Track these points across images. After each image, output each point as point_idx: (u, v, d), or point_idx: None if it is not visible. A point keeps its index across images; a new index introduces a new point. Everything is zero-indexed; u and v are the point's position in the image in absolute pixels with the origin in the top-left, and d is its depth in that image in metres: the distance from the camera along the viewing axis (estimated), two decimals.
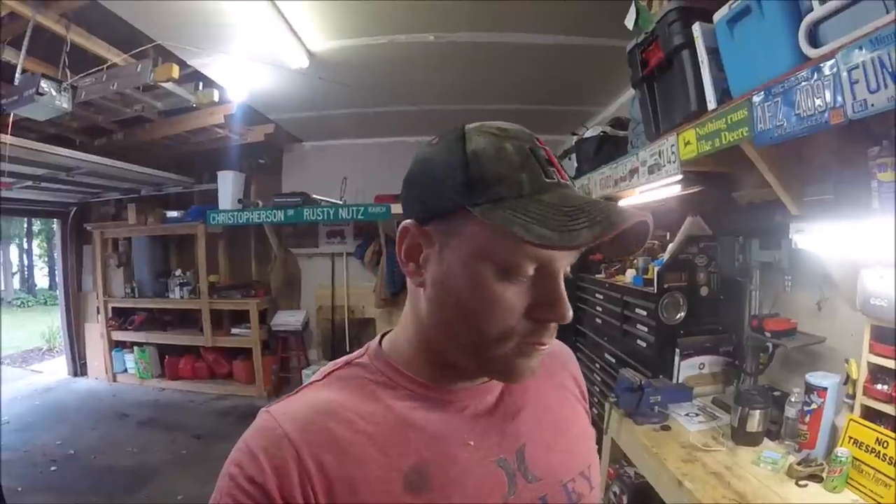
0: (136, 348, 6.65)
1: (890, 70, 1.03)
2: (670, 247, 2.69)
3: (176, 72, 3.33)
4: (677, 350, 2.50)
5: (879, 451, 1.55)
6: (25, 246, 20.77)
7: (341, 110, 5.01)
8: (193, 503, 3.65)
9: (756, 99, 1.46)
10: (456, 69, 3.92)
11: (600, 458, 2.55)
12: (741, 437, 1.93)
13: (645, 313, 2.69)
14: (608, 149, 3.19)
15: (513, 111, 4.82)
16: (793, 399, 1.90)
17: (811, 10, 1.31)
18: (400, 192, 0.70)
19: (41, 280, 20.75)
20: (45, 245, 20.22)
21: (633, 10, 2.31)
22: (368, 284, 6.20)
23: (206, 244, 6.29)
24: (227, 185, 6.10)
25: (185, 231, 6.42)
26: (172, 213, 6.48)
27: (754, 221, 2.30)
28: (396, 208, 5.12)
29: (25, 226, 19.96)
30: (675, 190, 2.56)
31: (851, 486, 1.60)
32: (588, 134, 3.48)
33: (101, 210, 7.20)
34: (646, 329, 2.69)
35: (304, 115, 5.16)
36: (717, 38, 1.74)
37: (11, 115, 3.35)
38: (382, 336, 0.76)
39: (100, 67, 3.35)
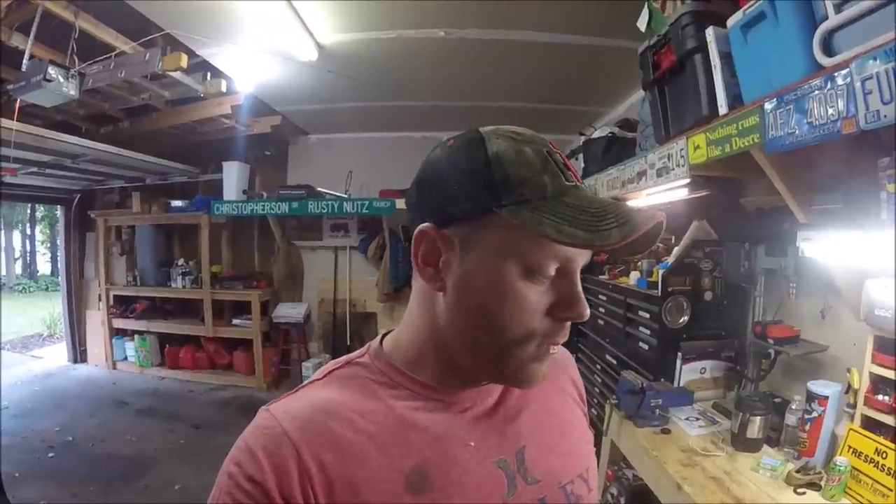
0: (136, 336, 6.66)
1: None
2: (675, 250, 2.69)
3: (184, 61, 3.32)
4: (679, 354, 2.50)
5: (878, 462, 1.55)
6: (28, 232, 20.80)
7: (348, 104, 5.01)
8: (191, 493, 3.66)
9: (768, 106, 1.46)
10: (464, 66, 3.91)
11: (599, 459, 2.56)
12: (741, 442, 1.93)
13: (648, 316, 2.69)
14: (616, 150, 3.18)
15: (521, 109, 4.83)
16: (794, 406, 1.90)
17: (826, 18, 1.30)
18: (408, 196, 0.69)
19: (43, 266, 20.78)
20: (48, 231, 20.23)
21: (645, 11, 2.31)
22: (371, 279, 6.20)
23: (209, 234, 6.30)
24: (232, 176, 6.11)
25: (189, 221, 6.43)
26: (177, 203, 6.48)
27: (761, 228, 2.29)
28: (401, 203, 5.10)
29: (29, 212, 19.98)
30: (683, 193, 2.56)
31: (849, 495, 1.60)
32: (596, 134, 3.47)
33: (105, 198, 7.20)
34: (648, 332, 2.69)
35: (310, 107, 5.16)
36: (731, 43, 1.73)
37: (18, 100, 3.35)
38: (383, 336, 0.76)
39: (108, 55, 3.34)
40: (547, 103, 4.78)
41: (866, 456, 1.59)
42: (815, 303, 2.06)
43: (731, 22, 1.70)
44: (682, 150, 2.02)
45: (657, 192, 2.62)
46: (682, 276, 2.56)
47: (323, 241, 6.52)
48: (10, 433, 4.51)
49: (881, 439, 1.58)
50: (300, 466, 0.58)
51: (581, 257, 0.63)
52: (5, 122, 3.65)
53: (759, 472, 1.76)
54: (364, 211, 5.66)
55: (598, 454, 2.60)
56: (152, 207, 6.51)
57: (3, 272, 18.81)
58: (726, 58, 1.77)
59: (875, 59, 1.09)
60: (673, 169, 2.13)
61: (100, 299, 6.91)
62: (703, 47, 1.86)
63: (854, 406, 1.73)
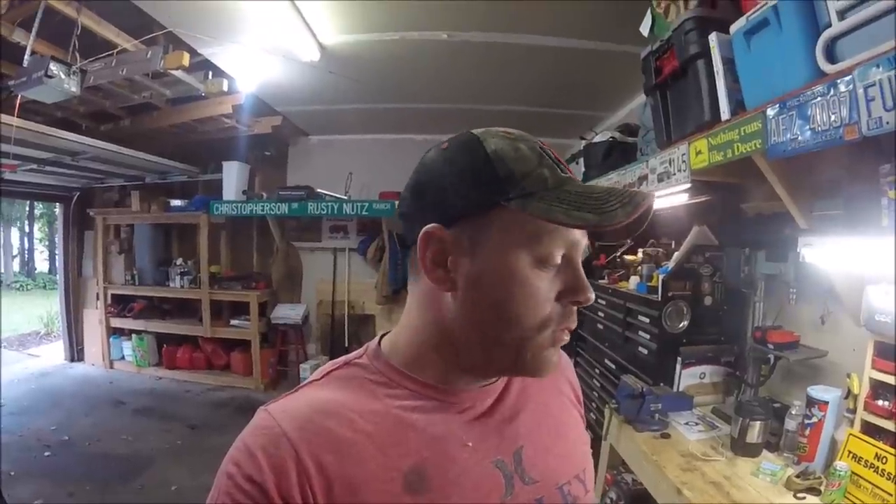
0: (134, 336, 6.64)
1: None
2: (676, 255, 2.69)
3: (186, 60, 3.32)
4: (679, 358, 2.50)
5: (878, 467, 1.55)
6: (27, 229, 20.77)
7: (350, 105, 5.02)
8: (187, 493, 3.65)
9: (770, 112, 1.46)
10: (467, 69, 3.93)
11: (599, 463, 2.56)
12: (741, 447, 1.93)
13: (647, 321, 2.69)
14: (617, 154, 3.19)
15: (522, 113, 4.85)
16: (793, 412, 1.90)
17: (829, 25, 1.31)
18: (400, 204, 0.71)
19: (41, 264, 20.74)
20: (47, 229, 20.21)
21: (648, 17, 2.32)
22: (370, 281, 6.20)
23: (208, 234, 6.29)
24: (232, 176, 6.12)
25: (188, 220, 6.43)
26: (176, 202, 6.49)
27: (762, 233, 2.30)
28: None
29: (27, 209, 19.96)
30: (684, 198, 2.57)
31: (849, 500, 1.60)
32: (597, 139, 3.47)
33: (104, 196, 7.20)
34: (648, 336, 2.69)
35: (312, 108, 5.17)
36: (734, 49, 1.74)
37: (19, 96, 3.35)
38: (381, 337, 0.76)
39: (110, 52, 3.35)
40: (548, 107, 4.80)
41: (866, 461, 1.59)
42: (815, 308, 2.06)
43: (734, 28, 1.70)
44: (683, 154, 2.02)
45: (658, 196, 2.62)
46: (682, 280, 2.57)
47: (322, 242, 6.52)
48: (6, 431, 4.50)
49: (881, 444, 1.58)
50: (299, 466, 0.58)
51: (582, 246, 0.67)
52: (6, 119, 3.65)
53: (759, 477, 1.76)
54: (364, 213, 5.67)
55: (597, 458, 2.60)
56: (151, 206, 6.50)
57: (2, 270, 18.79)
58: (729, 64, 1.78)
59: (878, 66, 1.10)
60: (674, 174, 2.13)
61: (97, 298, 6.90)
62: (705, 53, 1.86)
63: (854, 411, 1.74)
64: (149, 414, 5.27)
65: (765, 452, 1.94)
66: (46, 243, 20.54)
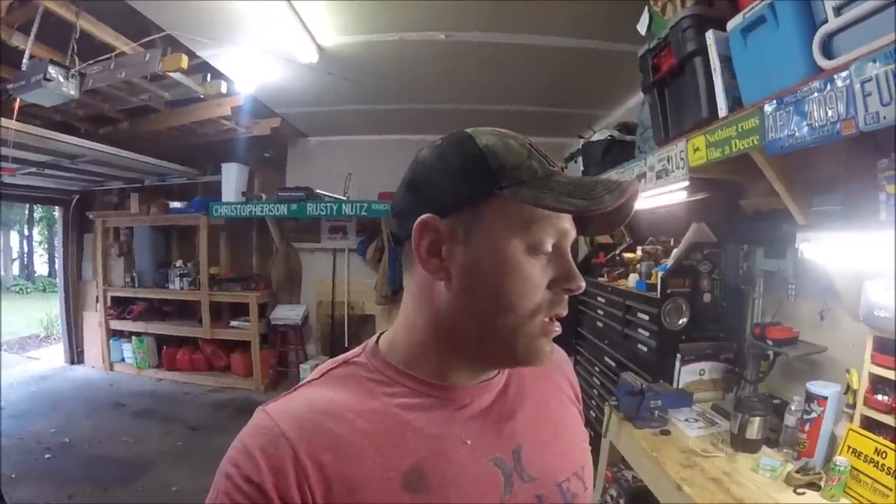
0: (134, 338, 6.64)
1: None
2: (674, 252, 2.70)
3: (185, 62, 3.32)
4: (678, 355, 2.51)
5: (878, 462, 1.56)
6: (26, 232, 20.75)
7: (348, 106, 5.01)
8: (188, 495, 3.65)
9: (768, 108, 1.47)
10: (465, 69, 3.92)
11: (599, 461, 2.57)
12: (740, 443, 1.94)
13: (647, 318, 2.69)
14: (615, 153, 3.19)
15: (520, 112, 4.85)
16: (793, 407, 1.91)
17: (826, 21, 1.31)
18: (395, 201, 0.72)
19: (41, 267, 20.71)
20: (46, 232, 20.17)
21: (646, 15, 2.33)
22: (369, 281, 6.20)
23: (207, 236, 6.29)
24: (231, 178, 6.12)
25: (188, 222, 6.43)
26: (175, 204, 6.49)
27: (760, 230, 2.30)
28: None
29: (26, 212, 19.94)
30: (682, 196, 2.57)
31: (849, 495, 1.61)
32: (595, 137, 3.48)
33: (103, 199, 7.20)
34: (647, 334, 2.69)
35: (310, 110, 5.16)
36: (731, 46, 1.74)
37: (18, 100, 3.34)
38: (379, 336, 0.76)
39: (108, 55, 3.35)
40: (547, 106, 4.80)
41: (866, 456, 1.60)
42: (813, 304, 2.07)
43: (730, 25, 1.71)
44: (681, 152, 2.03)
45: (656, 194, 2.62)
46: (681, 278, 2.57)
47: (321, 243, 6.52)
48: (6, 434, 4.49)
49: (881, 439, 1.59)
50: (297, 466, 0.58)
51: (571, 236, 0.69)
52: (5, 122, 3.64)
53: (759, 473, 1.77)
54: (363, 213, 5.68)
55: (597, 456, 2.61)
56: (151, 209, 6.51)
57: (1, 273, 18.77)
58: (726, 61, 1.79)
59: (874, 61, 1.10)
60: (672, 171, 2.14)
61: (97, 300, 6.90)
62: (703, 50, 1.87)
63: (853, 406, 1.74)
64: (149, 416, 5.27)
65: (764, 448, 1.95)
66: (46, 246, 20.51)
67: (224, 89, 4.04)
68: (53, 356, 7.75)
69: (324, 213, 5.78)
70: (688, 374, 2.52)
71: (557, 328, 0.69)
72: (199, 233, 6.30)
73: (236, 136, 5.75)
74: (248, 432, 0.62)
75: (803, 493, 1.64)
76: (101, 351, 6.82)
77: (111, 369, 6.77)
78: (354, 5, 2.97)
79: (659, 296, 2.56)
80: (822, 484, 1.63)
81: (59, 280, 7.71)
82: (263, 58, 3.62)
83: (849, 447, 1.66)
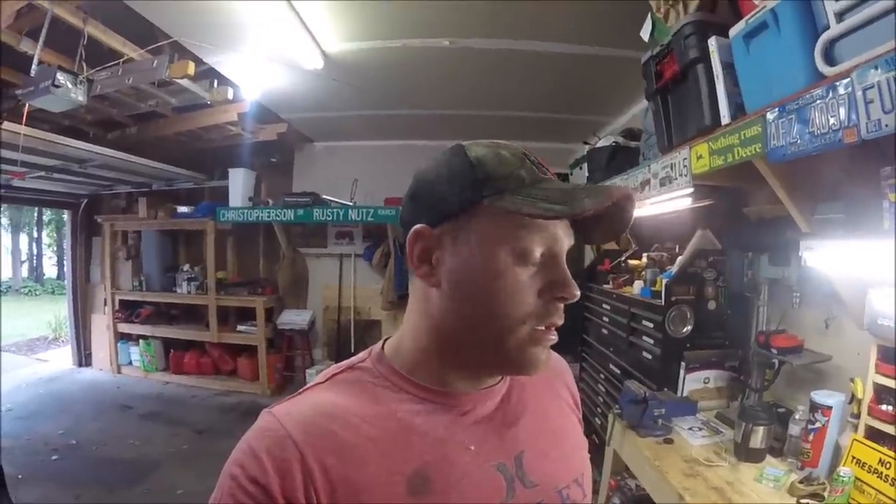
0: (141, 341, 6.69)
1: None
2: (679, 260, 2.68)
3: (192, 69, 3.36)
4: (683, 363, 2.48)
5: (882, 472, 1.54)
6: (35, 235, 20.95)
7: (353, 112, 5.03)
8: (193, 498, 3.65)
9: (770, 115, 1.46)
10: (470, 75, 3.93)
11: (602, 469, 2.55)
12: (744, 453, 1.92)
13: (651, 325, 2.68)
14: (620, 159, 3.19)
15: (525, 119, 4.86)
16: (797, 417, 1.89)
17: (828, 27, 1.31)
18: (401, 213, 0.75)
19: (49, 269, 20.92)
20: (55, 235, 20.38)
21: (648, 22, 2.33)
22: (375, 286, 6.20)
23: (215, 240, 6.34)
24: (238, 183, 6.15)
25: (195, 227, 6.47)
26: (183, 209, 6.54)
27: (764, 237, 2.29)
28: None
29: (36, 215, 20.13)
30: (686, 203, 2.56)
31: None
32: (600, 144, 3.48)
33: (111, 203, 7.26)
34: (652, 341, 2.68)
35: (316, 115, 5.19)
36: (733, 53, 1.74)
37: (27, 105, 3.38)
38: (384, 341, 0.77)
39: (116, 62, 3.38)
40: (551, 112, 4.81)
41: (870, 466, 1.58)
42: (818, 312, 2.05)
43: (733, 32, 1.70)
44: (684, 159, 2.02)
45: (661, 201, 2.61)
46: (685, 285, 2.55)
47: (328, 248, 6.53)
48: (13, 435, 4.54)
49: (885, 449, 1.57)
50: (304, 469, 0.59)
51: (565, 242, 0.69)
52: (14, 127, 3.68)
53: (762, 483, 1.75)
54: (369, 219, 5.68)
55: (601, 464, 2.59)
56: (158, 213, 6.56)
57: (10, 275, 18.94)
58: (728, 67, 1.78)
59: (876, 67, 1.09)
60: (676, 178, 2.13)
61: (105, 303, 6.96)
62: (705, 57, 1.87)
63: (858, 416, 1.72)
64: (156, 419, 5.30)
65: (768, 458, 1.92)
66: (55, 249, 20.71)
67: (230, 95, 4.09)
68: (62, 358, 7.82)
69: (330, 218, 5.78)
70: (692, 382, 2.50)
71: (553, 337, 0.69)
72: (207, 237, 6.34)
73: (243, 142, 5.81)
74: (253, 434, 0.63)
75: None
76: (108, 354, 6.88)
77: (119, 372, 6.81)
78: (358, 12, 2.98)
79: (663, 303, 2.55)
80: (825, 494, 1.61)
81: (68, 283, 7.76)
82: (269, 64, 3.66)
83: (853, 457, 1.64)
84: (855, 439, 1.66)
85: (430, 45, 3.37)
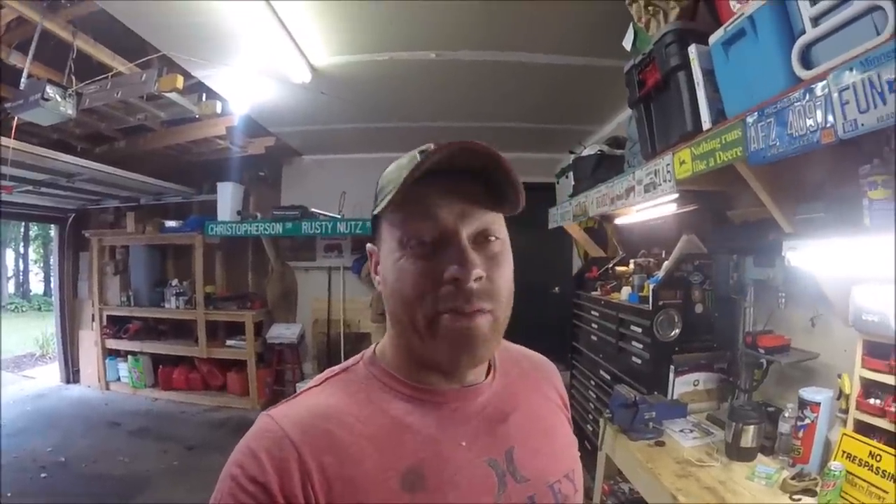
0: (129, 357, 6.57)
1: (879, 90, 1.07)
2: (665, 264, 2.72)
3: (180, 82, 3.37)
4: (672, 366, 2.51)
5: (873, 465, 1.57)
6: (22, 250, 20.71)
7: (342, 125, 5.05)
8: None
9: (750, 119, 1.50)
10: (456, 87, 3.97)
11: (595, 474, 2.56)
12: (735, 452, 1.94)
13: (640, 330, 2.71)
14: (606, 167, 3.24)
15: (512, 130, 4.90)
16: (786, 414, 1.92)
17: (804, 32, 1.35)
18: None
19: (36, 285, 20.64)
20: (42, 250, 20.15)
21: (630, 31, 2.37)
22: (365, 299, 6.17)
23: (203, 255, 6.28)
24: (227, 197, 6.12)
25: (183, 241, 6.41)
26: (171, 223, 6.48)
27: (748, 239, 2.33)
28: None
29: (22, 230, 19.91)
30: (671, 208, 2.60)
31: (845, 499, 1.61)
32: (586, 152, 3.53)
33: (99, 217, 7.18)
34: (641, 346, 2.71)
35: (304, 128, 5.19)
36: (713, 60, 1.79)
37: (15, 119, 3.37)
38: (376, 345, 0.80)
39: (105, 75, 3.39)
40: (537, 122, 4.85)
41: (861, 460, 1.61)
42: (804, 311, 2.09)
43: (712, 39, 1.75)
44: (668, 165, 2.06)
45: (646, 207, 2.66)
46: (672, 289, 2.59)
47: (317, 261, 6.49)
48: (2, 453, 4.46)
49: (875, 442, 1.60)
50: (302, 467, 0.60)
51: (457, 224, 0.68)
52: (3, 140, 3.67)
53: (755, 481, 1.77)
54: (357, 231, 5.67)
55: (593, 469, 2.60)
56: (146, 227, 6.49)
57: None
58: (709, 74, 1.83)
59: (851, 69, 1.13)
60: (660, 184, 2.17)
61: (93, 319, 6.85)
62: (686, 64, 1.92)
63: (846, 411, 1.75)
64: (145, 435, 5.22)
65: (760, 456, 1.95)
66: (41, 265, 20.46)
67: (219, 109, 4.08)
68: (49, 375, 7.68)
69: (319, 231, 5.77)
70: (682, 384, 2.53)
71: (468, 323, 0.67)
72: (195, 251, 6.28)
73: (231, 155, 5.79)
74: (252, 436, 0.65)
75: (799, 500, 1.64)
76: (96, 370, 6.76)
77: (107, 388, 6.69)
78: (346, 25, 3.01)
79: (651, 308, 2.58)
80: (818, 490, 1.64)
81: (55, 298, 7.66)
82: (257, 78, 3.67)
83: (843, 452, 1.67)
84: (844, 434, 1.69)
85: (416, 58, 3.40)
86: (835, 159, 1.65)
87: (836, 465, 1.62)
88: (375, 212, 0.73)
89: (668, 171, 2.06)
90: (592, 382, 3.46)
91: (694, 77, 1.87)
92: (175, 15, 2.79)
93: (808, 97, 1.26)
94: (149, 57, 3.33)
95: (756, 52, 1.53)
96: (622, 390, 2.44)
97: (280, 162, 6.53)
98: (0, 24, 2.91)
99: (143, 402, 6.31)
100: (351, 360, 0.79)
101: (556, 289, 6.01)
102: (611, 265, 3.69)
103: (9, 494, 3.77)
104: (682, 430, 2.25)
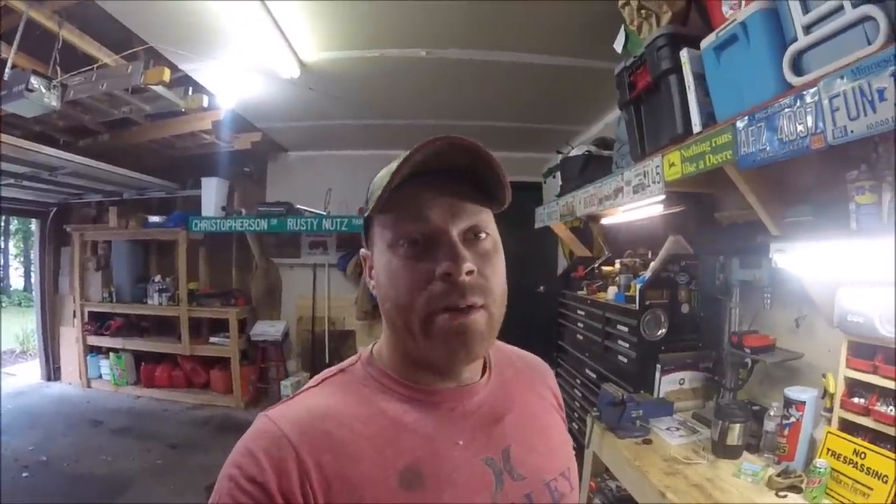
0: (111, 354, 6.49)
1: (870, 99, 1.09)
2: (652, 265, 2.75)
3: (167, 75, 3.32)
4: (658, 365, 2.54)
5: (857, 462, 1.60)
6: (1, 245, 20.28)
7: (330, 122, 5.03)
8: None
9: (740, 123, 1.53)
10: (445, 85, 3.97)
11: (582, 471, 2.58)
12: (721, 450, 1.97)
13: (626, 329, 2.73)
14: (593, 168, 3.26)
15: (500, 129, 4.91)
16: (772, 413, 1.95)
17: (796, 39, 1.37)
18: None
19: (16, 280, 20.22)
20: (22, 245, 19.74)
21: (622, 34, 2.39)
22: (350, 296, 6.16)
23: (187, 250, 6.21)
24: (211, 192, 6.07)
25: (167, 236, 6.33)
26: (154, 218, 6.38)
27: (735, 241, 2.36)
28: None
29: (2, 224, 19.50)
30: (658, 209, 2.63)
31: (830, 496, 1.64)
32: (573, 153, 3.55)
33: (81, 212, 7.07)
34: (627, 345, 2.73)
35: (291, 124, 5.17)
36: (704, 65, 1.81)
37: None
38: (373, 346, 0.81)
39: (90, 67, 3.34)
40: (525, 122, 4.88)
41: (845, 457, 1.64)
42: (789, 312, 2.12)
43: (704, 44, 1.77)
44: (657, 167, 2.09)
45: (633, 208, 2.69)
46: (658, 289, 2.61)
47: (301, 258, 6.47)
48: None
49: (859, 440, 1.63)
50: (300, 467, 0.61)
51: (438, 223, 0.69)
52: None
53: (741, 478, 1.80)
54: (343, 228, 5.67)
55: (580, 467, 2.62)
56: (129, 222, 6.40)
57: None
58: (700, 78, 1.85)
59: (842, 77, 1.16)
60: (649, 185, 2.20)
61: (74, 315, 6.74)
62: (677, 68, 1.94)
63: (831, 410, 1.79)
64: (128, 433, 5.15)
65: (745, 454, 1.98)
66: (22, 259, 20.05)
67: (205, 103, 4.05)
68: (30, 372, 7.52)
69: (304, 228, 5.75)
70: (668, 383, 2.56)
71: (462, 319, 0.67)
72: (178, 247, 6.21)
73: (216, 151, 5.74)
74: (250, 436, 0.65)
75: (785, 497, 1.67)
76: (78, 367, 6.66)
77: (88, 386, 6.61)
78: (336, 21, 3.00)
79: (638, 307, 2.60)
80: (803, 486, 1.67)
81: (36, 294, 7.53)
82: (245, 72, 3.64)
83: (828, 450, 1.70)
84: (829, 432, 1.73)
85: (406, 55, 3.39)
86: (822, 164, 1.69)
87: (821, 462, 1.65)
88: (366, 214, 0.75)
89: (658, 173, 2.09)
90: (578, 381, 3.48)
91: (685, 81, 1.89)
92: (163, 7, 2.76)
93: (798, 103, 1.29)
94: (135, 49, 3.28)
95: (747, 57, 1.56)
96: (609, 389, 2.46)
97: (266, 158, 6.49)
98: None
99: (126, 399, 6.23)
100: (348, 361, 0.80)
101: (542, 288, 6.04)
102: (597, 265, 3.72)
103: None
104: (668, 429, 2.28)
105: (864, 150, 1.49)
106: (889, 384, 1.60)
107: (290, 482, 0.60)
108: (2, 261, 19.94)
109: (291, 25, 3.01)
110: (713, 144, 1.69)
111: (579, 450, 2.70)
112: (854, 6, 1.21)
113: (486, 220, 0.73)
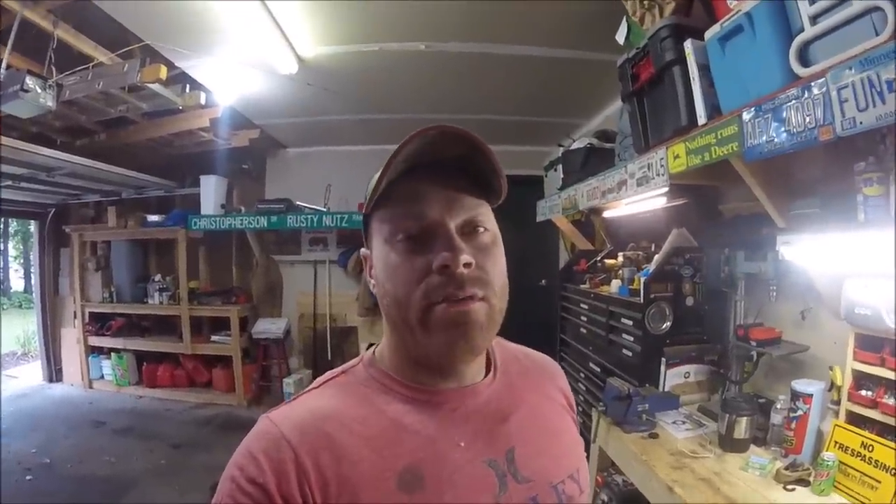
0: (113, 354, 6.50)
1: (879, 90, 1.08)
2: (656, 258, 2.74)
3: (164, 73, 3.29)
4: (663, 359, 2.53)
5: (865, 455, 1.60)
6: (1, 247, 20.27)
7: (328, 117, 5.00)
8: None
9: (746, 115, 1.52)
10: (445, 79, 3.95)
11: (589, 466, 2.57)
12: (728, 443, 1.97)
13: (631, 323, 2.72)
14: (595, 160, 3.24)
15: (501, 122, 4.89)
16: (778, 406, 1.94)
17: (802, 30, 1.36)
18: None
19: (16, 282, 20.21)
20: (21, 246, 19.72)
21: (624, 25, 2.38)
22: (351, 293, 6.15)
23: (186, 249, 6.20)
24: (210, 190, 6.04)
25: (166, 235, 6.31)
26: (153, 217, 6.37)
27: (740, 233, 2.34)
28: None
29: (1, 226, 19.47)
30: (661, 202, 2.62)
31: (838, 489, 1.64)
32: (575, 145, 3.53)
33: (80, 212, 7.06)
34: (632, 339, 2.72)
35: (290, 121, 5.14)
36: (709, 56, 1.79)
37: None
38: (375, 348, 0.80)
39: (86, 66, 3.31)
40: (526, 115, 4.86)
41: (853, 450, 1.64)
42: (795, 305, 2.11)
43: (708, 35, 1.76)
44: (662, 159, 2.07)
45: (637, 200, 2.67)
46: (663, 282, 2.60)
47: (302, 255, 6.45)
48: None
49: (867, 433, 1.63)
50: (298, 468, 0.61)
51: (443, 215, 0.69)
52: None
53: (749, 471, 1.79)
54: (343, 224, 5.66)
55: (587, 461, 2.62)
56: (128, 222, 6.39)
57: None
58: (704, 69, 1.84)
59: (850, 68, 1.15)
60: (653, 178, 2.18)
61: (75, 316, 6.74)
62: (681, 59, 1.92)
63: (838, 402, 1.79)
64: (130, 434, 5.15)
65: (752, 447, 1.98)
66: (21, 261, 20.03)
67: (203, 100, 4.02)
68: (31, 374, 7.53)
69: (304, 224, 5.73)
70: (673, 377, 2.55)
71: (462, 308, 0.66)
72: (178, 246, 6.20)
73: (215, 148, 5.71)
74: (251, 438, 0.66)
75: (793, 490, 1.67)
76: (79, 368, 6.66)
77: (90, 387, 6.61)
78: (335, 16, 2.98)
79: (642, 301, 2.59)
80: (811, 480, 1.66)
81: (36, 296, 7.53)
82: (243, 69, 3.61)
83: (836, 442, 1.70)
84: (837, 425, 1.72)
85: (405, 49, 3.37)
86: (828, 156, 1.68)
87: (829, 455, 1.65)
88: (364, 212, 0.76)
89: (662, 165, 2.07)
90: (582, 375, 3.47)
91: (689, 72, 1.87)
92: (159, 4, 2.73)
93: (805, 94, 1.28)
94: (131, 47, 3.26)
95: (753, 48, 1.54)
96: (615, 383, 2.45)
97: (264, 154, 6.46)
98: None
99: (128, 400, 6.23)
100: (350, 363, 0.79)
101: (543, 281, 6.03)
102: (599, 258, 3.71)
103: None
104: (674, 422, 2.28)
105: (871, 141, 1.47)
106: None
107: (289, 483, 0.60)
108: (2, 263, 19.93)
109: (289, 20, 2.98)
110: (719, 136, 1.68)
111: (585, 444, 2.69)
112: None
113: (485, 214, 0.73)
